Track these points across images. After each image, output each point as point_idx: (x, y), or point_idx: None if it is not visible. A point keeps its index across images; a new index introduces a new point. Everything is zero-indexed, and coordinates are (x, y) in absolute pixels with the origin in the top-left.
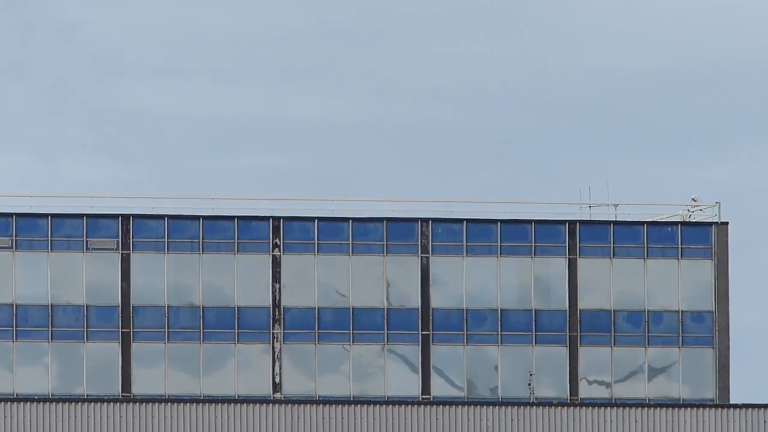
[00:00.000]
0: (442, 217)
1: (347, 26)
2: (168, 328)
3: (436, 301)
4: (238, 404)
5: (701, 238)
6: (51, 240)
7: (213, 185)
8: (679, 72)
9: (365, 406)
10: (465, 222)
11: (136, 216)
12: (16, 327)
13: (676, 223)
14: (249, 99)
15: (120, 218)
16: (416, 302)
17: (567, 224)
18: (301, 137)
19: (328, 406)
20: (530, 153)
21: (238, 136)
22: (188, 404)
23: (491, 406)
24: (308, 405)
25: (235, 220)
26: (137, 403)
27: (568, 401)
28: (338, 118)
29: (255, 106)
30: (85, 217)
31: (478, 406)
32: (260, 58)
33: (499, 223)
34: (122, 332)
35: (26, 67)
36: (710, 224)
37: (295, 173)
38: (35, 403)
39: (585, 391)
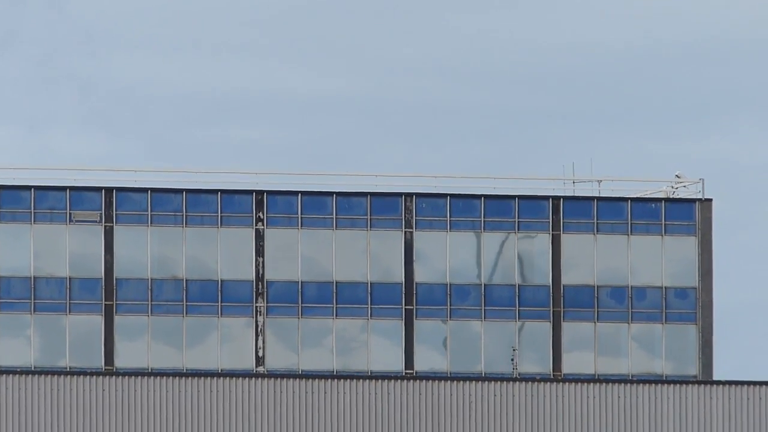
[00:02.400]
0: (426, 191)
1: (334, 1)
2: (151, 301)
3: (420, 275)
4: (221, 378)
5: (685, 214)
6: (34, 212)
7: (199, 158)
8: (664, 48)
9: (348, 380)
10: (449, 197)
11: (119, 188)
12: None
13: (660, 200)
14: (236, 73)
15: (103, 191)
16: (400, 277)
17: (551, 200)
18: (285, 111)
19: (311, 380)
20: (514, 128)
21: (224, 109)
22: (171, 378)
23: (474, 381)
24: (291, 379)
25: (219, 193)
26: (120, 376)
27: (551, 377)
28: (323, 92)
29: (241, 80)
30: (68, 190)
31: (461, 381)
32: (248, 33)
33: (482, 198)
34: (105, 305)
35: (15, 39)
36: (694, 201)
37: (279, 147)
38: (17, 375)
39: (568, 367)
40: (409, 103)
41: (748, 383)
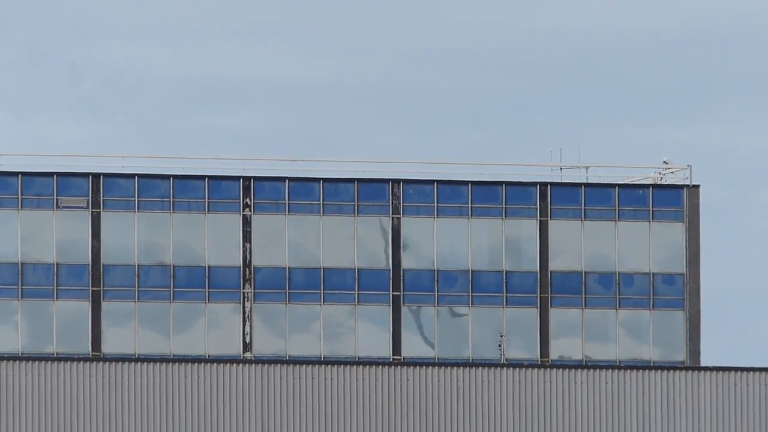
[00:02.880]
0: (414, 178)
1: None
2: (138, 287)
3: (407, 261)
4: (208, 364)
5: (673, 200)
6: (21, 198)
7: (187, 144)
8: (652, 34)
9: (335, 366)
10: (436, 183)
11: (106, 175)
12: None
13: (647, 186)
14: (224, 59)
15: (90, 177)
16: (387, 263)
17: (538, 186)
18: (273, 97)
19: (298, 366)
20: (502, 115)
21: (212, 95)
22: (158, 364)
23: (461, 367)
24: (278, 365)
25: (206, 179)
26: (107, 362)
27: (539, 363)
28: (311, 78)
29: (229, 66)
30: (55, 176)
31: (449, 367)
32: (236, 19)
33: (470, 184)
34: (92, 291)
35: (4, 24)
36: (682, 187)
37: (266, 133)
38: (4, 361)
39: (555, 353)
40: (397, 90)
41: (736, 369)
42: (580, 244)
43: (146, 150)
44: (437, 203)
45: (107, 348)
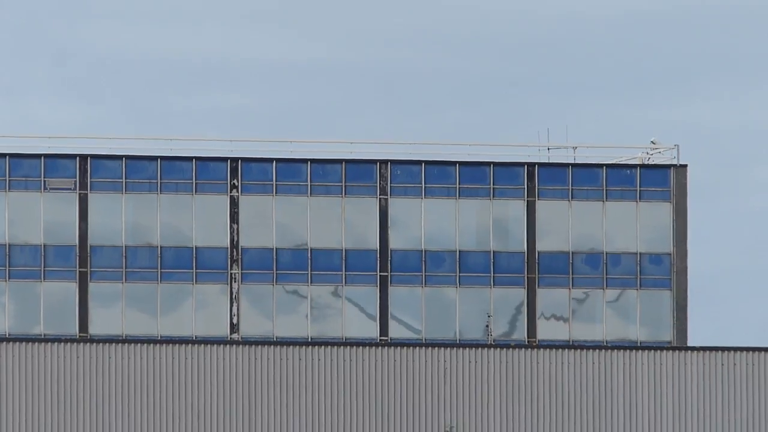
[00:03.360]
0: (401, 158)
1: None
2: (125, 268)
3: (395, 242)
4: (196, 345)
5: (660, 180)
6: (9, 180)
7: (174, 126)
8: (639, 13)
9: (323, 347)
10: (423, 164)
11: (93, 156)
12: None
13: (634, 166)
14: (211, 40)
15: (78, 158)
16: (374, 244)
17: (525, 166)
18: (260, 78)
19: (285, 347)
20: (489, 95)
21: (199, 77)
22: (145, 344)
23: (449, 348)
24: (266, 346)
25: (193, 160)
26: (94, 343)
27: (526, 343)
28: (298, 59)
29: (216, 48)
30: (42, 157)
31: (436, 348)
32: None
33: (457, 164)
34: (80, 272)
35: None
36: (669, 166)
37: (253, 114)
38: None
39: (543, 333)
40: (384, 70)
41: (723, 349)
42: (567, 225)
43: (134, 131)
44: (425, 184)
45: (94, 329)
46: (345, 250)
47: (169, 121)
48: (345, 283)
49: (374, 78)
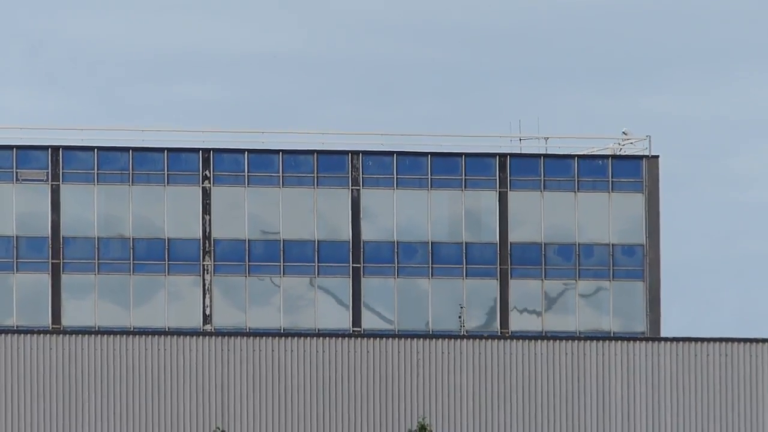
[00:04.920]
0: (373, 149)
1: None
2: (98, 260)
3: (367, 233)
4: (168, 336)
5: (632, 171)
6: None
7: (146, 116)
8: (610, 2)
9: (295, 338)
10: (395, 155)
11: (65, 147)
12: None
13: (606, 157)
14: (183, 31)
15: (50, 149)
16: (347, 235)
17: (497, 157)
18: (232, 69)
19: (258, 338)
20: (460, 85)
21: (171, 67)
22: (118, 336)
23: (421, 339)
24: (238, 337)
25: (165, 151)
26: (67, 335)
27: (499, 334)
28: (270, 49)
29: (188, 38)
30: (14, 149)
31: (409, 339)
32: None
33: (429, 155)
34: (52, 263)
35: None
36: (641, 157)
37: (225, 105)
38: None
39: (515, 324)
40: (356, 61)
41: (696, 340)
42: (539, 216)
43: (105, 122)
44: (397, 175)
45: (67, 320)
46: (317, 241)
47: (141, 113)
48: (317, 274)
49: (346, 69)
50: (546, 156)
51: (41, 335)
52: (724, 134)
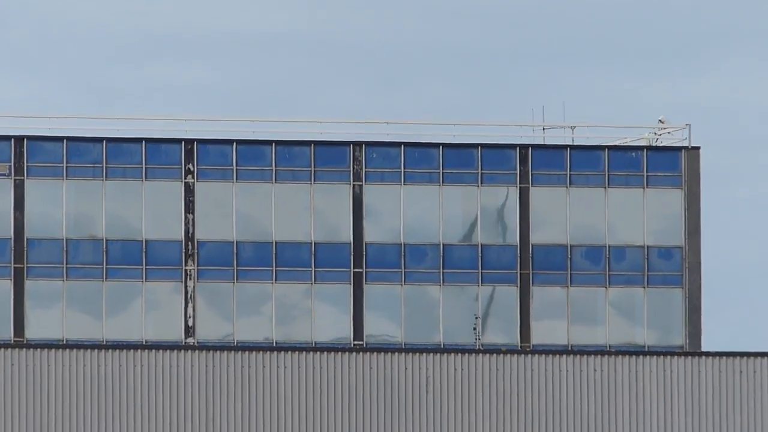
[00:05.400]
0: (377, 140)
1: None
2: (66, 264)
3: (370, 234)
4: (146, 350)
5: (669, 164)
6: None
7: (122, 103)
8: None
9: (289, 352)
10: (403, 146)
11: (31, 137)
12: None
13: (641, 148)
14: (165, 8)
15: (13, 140)
16: (347, 236)
17: (518, 149)
18: (220, 50)
19: (247, 352)
20: (476, 67)
21: (150, 48)
22: (89, 350)
23: (431, 354)
24: (225, 351)
25: (143, 142)
26: (31, 349)
27: (519, 348)
28: (263, 29)
29: (171, 16)
30: None
31: (417, 354)
32: None
33: (441, 147)
34: (15, 268)
35: None
36: (679, 149)
37: (212, 90)
38: None
39: (538, 337)
40: (359, 41)
41: (741, 354)
42: (565, 214)
43: (76, 109)
44: (404, 168)
45: (31, 333)
46: (314, 243)
47: (116, 98)
48: (314, 280)
49: (347, 49)
50: (573, 147)
51: (2, 349)
52: None
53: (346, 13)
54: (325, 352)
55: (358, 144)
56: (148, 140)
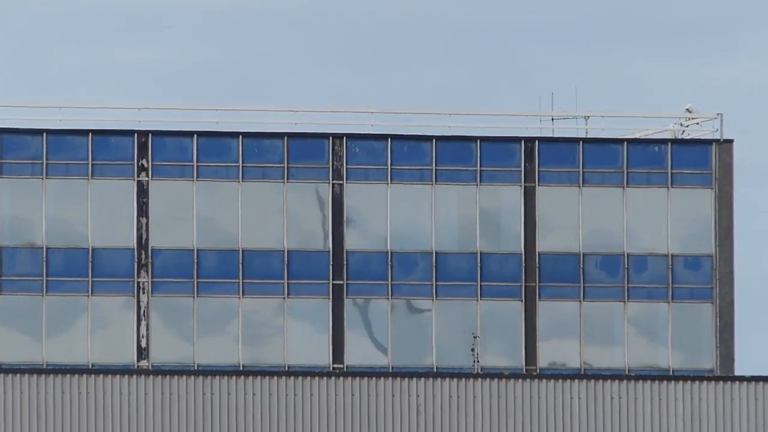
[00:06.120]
0: (360, 132)
1: None
2: (0, 276)
3: (352, 241)
4: (93, 375)
5: (698, 160)
6: None
7: (65, 89)
8: None
9: (258, 377)
10: (390, 138)
11: None
12: None
13: (665, 141)
14: None
15: None
16: (326, 243)
17: (523, 142)
18: (179, 27)
19: (210, 377)
20: (475, 48)
21: (97, 25)
22: (27, 375)
23: (423, 378)
24: (184, 376)
25: (90, 134)
26: None
27: (524, 372)
28: (229, 2)
29: None
30: None
31: (407, 378)
32: None
33: (434, 140)
34: None
35: None
36: (710, 142)
37: (169, 73)
38: None
39: (545, 359)
40: (340, 17)
41: None
42: (577, 218)
43: (11, 96)
44: (391, 165)
45: None
46: (287, 251)
47: (58, 83)
48: (287, 294)
49: (326, 27)
50: (586, 140)
51: None
52: None
53: None
54: (300, 377)
55: (338, 136)
56: (95, 132)
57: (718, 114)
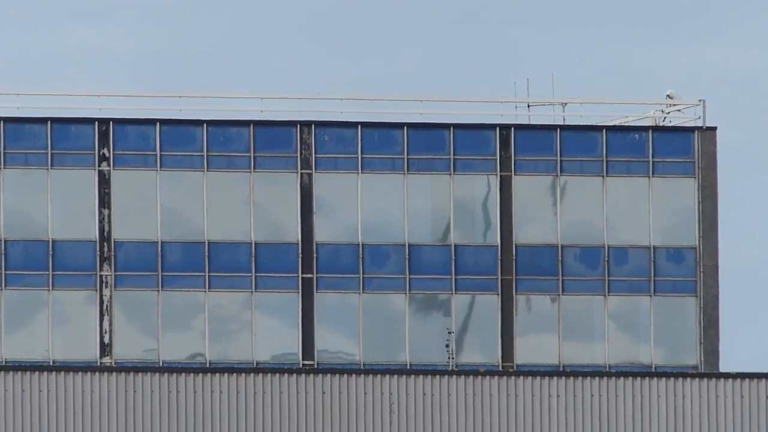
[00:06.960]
0: (329, 119)
1: None
2: None
3: (322, 233)
4: (53, 372)
5: (680, 148)
6: None
7: (22, 75)
8: None
9: (225, 374)
10: (360, 126)
11: None
12: None
13: (645, 128)
14: None
15: None
16: (295, 235)
17: (498, 129)
18: (140, 10)
19: (175, 374)
20: (449, 33)
21: (58, 8)
22: None
23: (396, 376)
24: (148, 373)
25: (48, 122)
26: None
27: (500, 368)
28: None
29: None
30: None
31: (378, 375)
32: None
33: (405, 127)
34: None
35: None
36: (692, 129)
37: (131, 57)
38: None
39: (523, 355)
40: None
41: (765, 376)
42: (555, 208)
43: None
44: (362, 153)
45: None
46: (255, 243)
47: (15, 68)
48: (255, 288)
49: (293, 8)
50: (564, 127)
51: None
52: None
53: None
54: (269, 374)
55: (306, 124)
56: (54, 120)
57: (700, 100)
